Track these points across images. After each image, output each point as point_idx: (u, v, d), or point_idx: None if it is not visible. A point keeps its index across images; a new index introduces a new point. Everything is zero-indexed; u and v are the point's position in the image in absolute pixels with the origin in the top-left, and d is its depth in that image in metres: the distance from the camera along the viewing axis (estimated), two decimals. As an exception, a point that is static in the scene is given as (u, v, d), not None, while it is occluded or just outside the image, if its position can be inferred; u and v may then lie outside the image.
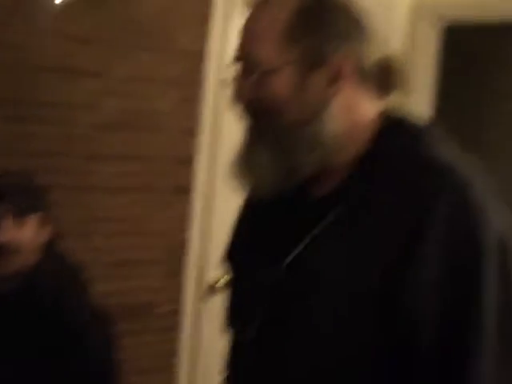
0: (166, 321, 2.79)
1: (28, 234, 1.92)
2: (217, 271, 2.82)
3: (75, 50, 2.40)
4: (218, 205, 2.84)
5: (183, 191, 2.75)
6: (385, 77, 1.25)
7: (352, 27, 1.18)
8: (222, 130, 2.80)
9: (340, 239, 1.16)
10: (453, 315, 1.06)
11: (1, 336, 1.92)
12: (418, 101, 3.44)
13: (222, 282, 2.83)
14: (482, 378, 1.04)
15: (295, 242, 1.20)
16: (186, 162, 2.73)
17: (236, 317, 1.38)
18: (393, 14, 3.38)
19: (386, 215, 1.12)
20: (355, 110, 1.21)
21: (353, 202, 1.17)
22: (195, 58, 2.68)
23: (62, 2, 2.31)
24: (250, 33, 1.19)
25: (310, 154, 1.17)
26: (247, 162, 1.21)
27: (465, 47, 3.99)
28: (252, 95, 1.18)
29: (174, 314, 2.82)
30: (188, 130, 2.71)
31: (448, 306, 1.06)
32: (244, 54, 1.19)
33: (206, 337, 2.89)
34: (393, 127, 1.23)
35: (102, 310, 2.07)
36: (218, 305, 2.71)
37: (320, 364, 1.16)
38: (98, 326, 2.02)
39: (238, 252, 1.44)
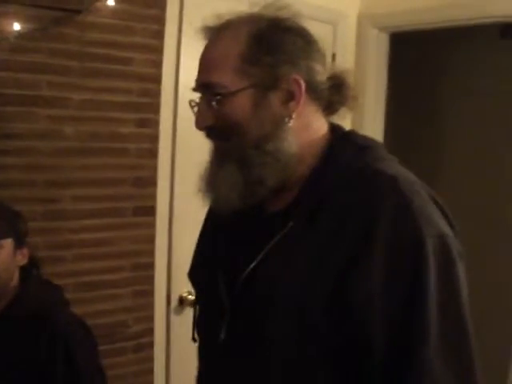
0: (140, 340, 2.80)
1: (2, 257, 1.94)
2: (185, 287, 2.86)
3: (32, 79, 2.40)
4: (181, 223, 2.87)
5: (147, 212, 2.77)
6: (335, 93, 1.31)
7: (303, 48, 1.24)
8: (182, 149, 2.84)
9: (293, 251, 1.20)
10: (398, 313, 1.11)
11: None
12: (370, 100, 3.61)
13: (191, 296, 2.86)
14: (423, 365, 1.09)
15: (252, 256, 1.25)
16: (148, 183, 2.75)
17: (203, 327, 1.42)
18: (344, 21, 3.53)
19: (336, 223, 1.17)
20: (309, 127, 1.27)
21: (304, 215, 1.21)
22: (151, 82, 2.70)
23: (11, 34, 2.32)
24: (207, 62, 1.25)
25: (271, 169, 1.22)
26: (215, 179, 1.25)
27: (409, 52, 4.10)
28: (214, 120, 1.24)
29: (148, 332, 2.83)
30: (148, 152, 2.73)
31: (394, 304, 1.11)
32: (203, 83, 1.24)
33: (179, 351, 2.90)
34: (341, 142, 1.29)
35: (86, 327, 2.10)
36: (189, 319, 2.76)
37: (283, 366, 1.20)
38: (87, 336, 2.07)
39: (200, 268, 1.47)
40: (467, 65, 4.33)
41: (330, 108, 1.33)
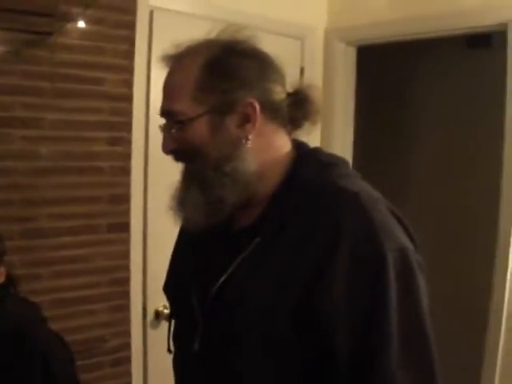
0: (117, 354, 2.82)
1: None
2: (160, 301, 2.89)
3: (6, 101, 2.44)
4: (155, 238, 2.91)
5: (122, 229, 2.81)
6: (298, 108, 1.35)
7: (258, 71, 1.28)
8: (154, 167, 2.88)
9: (260, 265, 1.25)
10: (360, 326, 1.15)
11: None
12: (339, 113, 3.65)
13: (166, 310, 2.87)
14: (385, 376, 1.14)
15: (222, 270, 1.29)
16: (122, 200, 2.79)
17: (178, 339, 1.47)
18: (312, 36, 3.58)
19: (300, 238, 1.22)
20: (270, 146, 1.31)
21: (270, 231, 1.26)
22: (122, 101, 2.75)
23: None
24: (167, 90, 1.31)
25: (231, 189, 1.27)
26: (182, 200, 1.31)
27: (377, 64, 4.18)
28: (177, 145, 1.30)
29: (125, 346, 2.85)
30: (121, 170, 2.77)
31: (356, 317, 1.15)
32: (165, 110, 1.31)
33: (156, 365, 2.92)
34: (305, 159, 1.33)
35: (65, 343, 2.13)
36: (165, 332, 2.79)
37: (254, 377, 1.24)
38: (65, 351, 2.11)
39: (174, 282, 1.52)
40: (434, 75, 4.40)
41: (293, 124, 1.37)
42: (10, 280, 2.13)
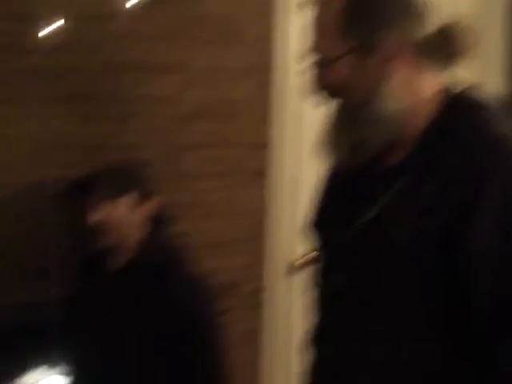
0: (251, 298, 2.89)
1: (121, 212, 2.06)
2: (298, 248, 2.89)
3: (152, 47, 2.53)
4: (295, 184, 2.91)
5: (261, 174, 2.85)
6: (447, 46, 1.29)
7: (401, 9, 1.23)
8: (295, 114, 2.83)
9: (405, 206, 1.24)
10: (504, 272, 1.13)
11: (107, 311, 2.08)
12: (490, 63, 3.41)
13: (304, 258, 2.88)
14: None
15: (368, 209, 1.29)
16: (261, 146, 2.83)
17: (322, 278, 1.47)
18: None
19: (448, 182, 1.19)
20: (415, 86, 1.28)
21: (418, 171, 1.25)
22: (263, 48, 2.78)
23: (133, 4, 2.43)
24: (314, 29, 1.30)
25: (375, 129, 1.26)
26: (328, 140, 1.33)
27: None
28: (324, 82, 1.30)
29: (260, 291, 2.91)
30: (262, 117, 2.81)
31: (500, 262, 1.14)
32: (311, 50, 1.31)
33: (289, 313, 2.94)
34: (456, 101, 1.29)
35: (205, 283, 2.20)
36: (300, 281, 2.83)
37: (393, 306, 1.26)
38: (205, 293, 2.18)
39: (319, 222, 1.51)
40: None
41: (443, 63, 1.32)
42: (161, 218, 2.19)
